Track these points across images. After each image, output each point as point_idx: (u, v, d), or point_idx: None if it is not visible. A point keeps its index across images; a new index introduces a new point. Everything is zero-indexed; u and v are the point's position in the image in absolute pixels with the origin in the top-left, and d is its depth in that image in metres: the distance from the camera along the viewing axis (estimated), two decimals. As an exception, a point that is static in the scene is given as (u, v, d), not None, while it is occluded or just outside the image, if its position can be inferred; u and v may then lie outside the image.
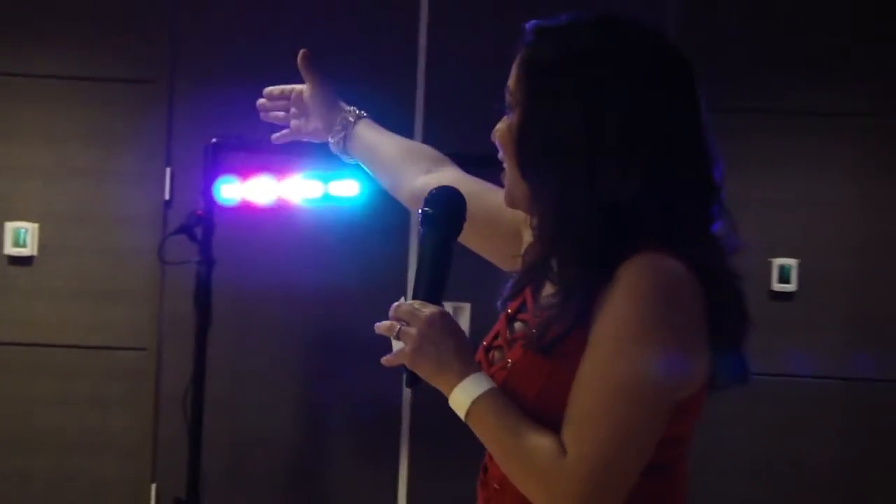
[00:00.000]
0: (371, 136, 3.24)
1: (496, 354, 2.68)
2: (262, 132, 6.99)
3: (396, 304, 2.52)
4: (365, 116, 3.26)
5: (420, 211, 2.61)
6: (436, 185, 2.86)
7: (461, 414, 2.46)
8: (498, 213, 2.90)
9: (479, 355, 2.67)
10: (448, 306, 2.46)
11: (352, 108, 3.24)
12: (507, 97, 2.63)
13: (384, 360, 2.53)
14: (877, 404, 7.94)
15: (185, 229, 7.22)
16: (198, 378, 7.27)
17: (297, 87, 3.32)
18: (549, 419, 2.44)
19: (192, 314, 7.19)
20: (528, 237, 2.81)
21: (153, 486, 7.74)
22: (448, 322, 2.52)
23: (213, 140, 7.36)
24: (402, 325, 2.47)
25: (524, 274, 2.74)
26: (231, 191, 7.42)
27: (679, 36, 7.74)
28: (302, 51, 3.24)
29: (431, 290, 2.55)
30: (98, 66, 7.90)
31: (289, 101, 3.37)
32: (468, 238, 2.85)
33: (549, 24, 2.64)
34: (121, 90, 7.89)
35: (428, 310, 2.48)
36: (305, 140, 3.43)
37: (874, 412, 7.95)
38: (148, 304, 7.81)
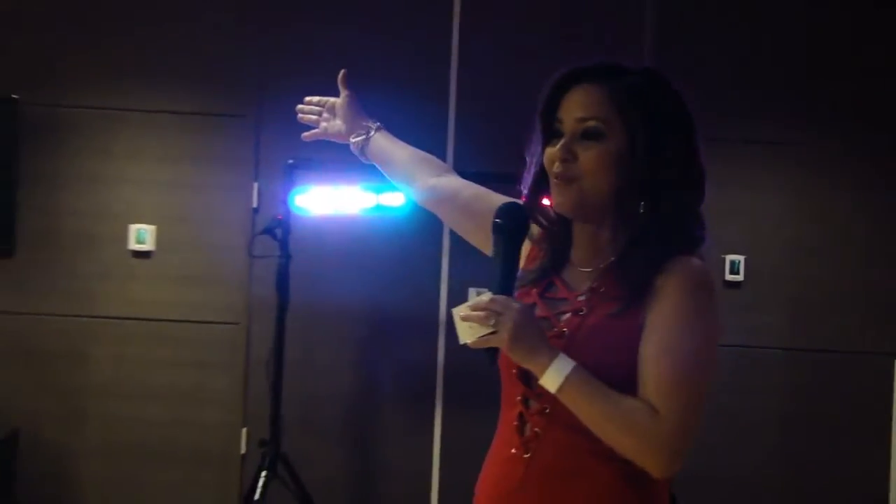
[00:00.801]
0: (386, 143, 3.36)
1: (543, 324, 2.72)
2: (327, 155, 7.42)
3: (485, 297, 2.62)
4: (383, 128, 3.38)
5: (493, 222, 2.69)
6: (450, 198, 3.19)
7: (553, 389, 2.56)
8: None
9: None
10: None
11: (373, 120, 3.40)
12: (597, 125, 2.69)
13: (471, 342, 2.62)
14: (806, 368, 8.24)
15: (269, 231, 7.56)
16: (278, 346, 7.61)
17: (332, 98, 3.47)
18: (608, 380, 2.59)
19: (274, 297, 7.59)
20: (531, 231, 2.91)
21: (244, 430, 8.12)
22: (533, 314, 2.65)
23: (290, 161, 7.64)
24: (495, 315, 2.56)
25: (549, 262, 2.84)
26: (304, 201, 7.71)
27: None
28: (342, 70, 3.42)
29: (507, 286, 2.67)
30: (200, 103, 8.23)
31: (322, 108, 3.51)
32: (471, 233, 3.09)
33: (629, 67, 2.80)
34: (218, 122, 8.25)
35: (517, 304, 2.60)
36: (330, 139, 3.56)
37: (805, 374, 8.24)
38: (240, 289, 8.18)
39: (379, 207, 7.92)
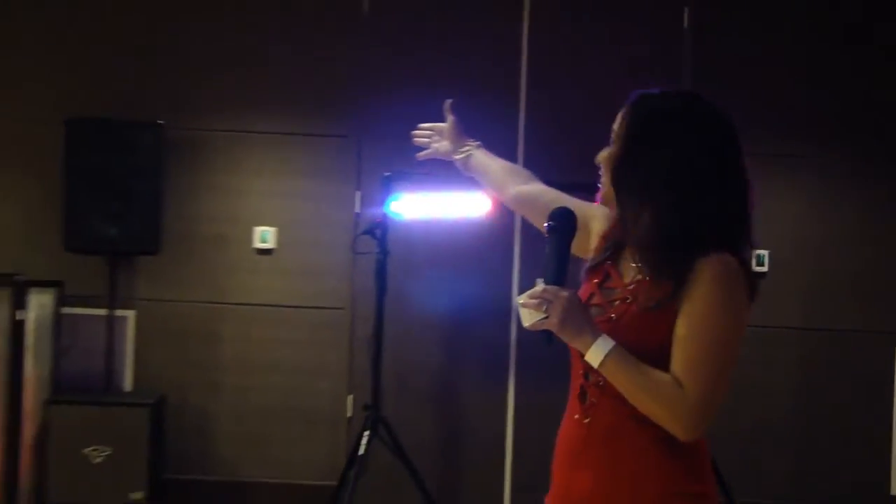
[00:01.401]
0: (484, 158, 3.49)
1: (595, 311, 2.80)
2: (418, 168, 7.70)
3: (539, 287, 2.68)
4: (481, 146, 3.53)
5: (546, 224, 2.75)
6: (533, 202, 3.27)
7: (595, 364, 2.65)
8: (577, 214, 2.89)
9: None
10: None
11: (473, 140, 3.54)
12: (612, 134, 2.87)
13: (530, 325, 2.69)
14: (817, 344, 8.42)
15: (369, 231, 7.74)
16: (377, 326, 7.77)
17: (439, 124, 3.63)
18: (646, 358, 2.66)
19: (374, 286, 7.73)
20: (596, 228, 3.01)
21: (350, 397, 8.41)
22: (579, 300, 2.72)
23: (386, 173, 7.78)
24: (547, 303, 2.64)
25: (607, 252, 2.91)
26: (398, 206, 7.82)
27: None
28: (448, 101, 3.59)
29: (558, 278, 2.72)
30: (311, 126, 8.54)
31: (433, 132, 3.66)
32: None
33: (649, 91, 2.87)
34: (327, 142, 8.54)
35: (566, 292, 2.66)
36: (439, 158, 3.71)
37: (815, 349, 8.42)
38: (345, 280, 8.45)
39: (462, 212, 8.02)
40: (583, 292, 2.88)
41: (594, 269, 2.89)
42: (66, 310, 8.27)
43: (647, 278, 2.73)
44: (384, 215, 7.86)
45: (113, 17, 8.54)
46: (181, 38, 8.60)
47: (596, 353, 2.58)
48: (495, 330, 8.54)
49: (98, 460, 7.65)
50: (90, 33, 8.55)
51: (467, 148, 3.51)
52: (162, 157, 8.18)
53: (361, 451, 7.64)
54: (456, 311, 8.64)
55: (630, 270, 2.80)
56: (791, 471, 8.43)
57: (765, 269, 8.36)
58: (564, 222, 2.75)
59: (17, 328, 7.57)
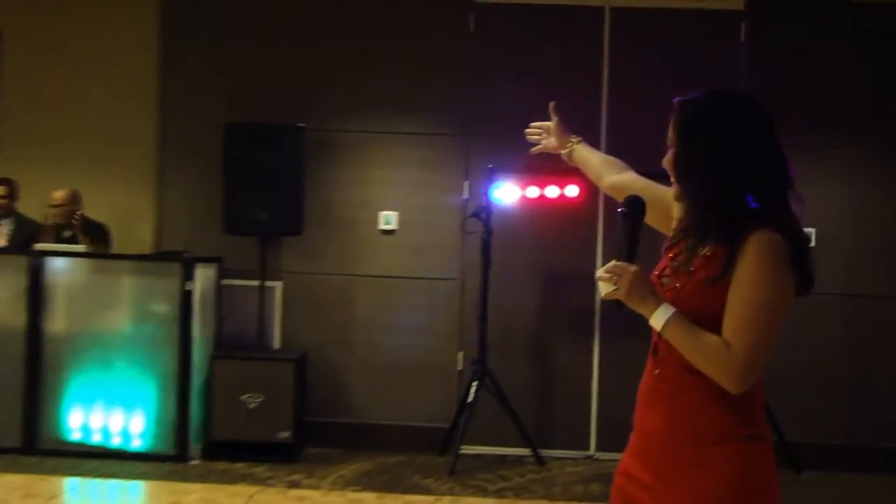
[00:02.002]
0: (585, 152, 3.49)
1: (665, 281, 2.80)
2: (517, 162, 7.85)
3: (612, 264, 2.70)
4: (583, 141, 3.52)
5: (619, 210, 2.75)
6: (625, 189, 3.10)
7: (659, 327, 2.67)
8: (661, 199, 2.99)
9: (654, 279, 2.83)
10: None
11: (576, 136, 3.53)
12: (668, 141, 2.83)
13: (604, 295, 2.73)
14: (856, 308, 8.44)
15: (476, 214, 8.01)
16: (483, 294, 8.00)
17: (546, 123, 3.61)
18: (703, 322, 2.64)
19: (480, 260, 8.01)
20: (676, 213, 2.96)
21: (460, 353, 8.59)
22: (643, 274, 2.71)
23: (490, 166, 8.06)
24: (616, 277, 2.66)
25: (680, 234, 2.86)
26: (500, 193, 8.10)
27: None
28: (552, 102, 3.56)
29: (629, 255, 2.73)
30: (427, 126, 8.67)
31: (542, 130, 3.63)
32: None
33: (688, 97, 2.83)
34: (441, 139, 8.67)
35: (632, 268, 2.67)
36: (548, 152, 3.68)
37: (855, 312, 8.45)
38: (456, 255, 8.59)
39: (553, 197, 8.19)
40: (660, 265, 2.88)
41: (671, 247, 2.88)
42: (226, 281, 8.51)
43: (708, 254, 2.71)
44: (488, 201, 8.08)
45: (263, 41, 8.79)
46: (318, 56, 8.79)
47: (657, 319, 2.63)
48: (582, 296, 8.56)
49: (252, 405, 7.86)
50: (245, 54, 8.80)
51: (570, 143, 3.52)
52: (303, 154, 8.36)
53: (470, 398, 7.91)
54: (549, 280, 8.65)
55: (696, 249, 2.77)
56: (835, 414, 8.38)
57: (813, 243, 8.05)
58: (634, 209, 2.78)
59: (186, 297, 7.85)
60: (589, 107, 8.58)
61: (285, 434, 7.95)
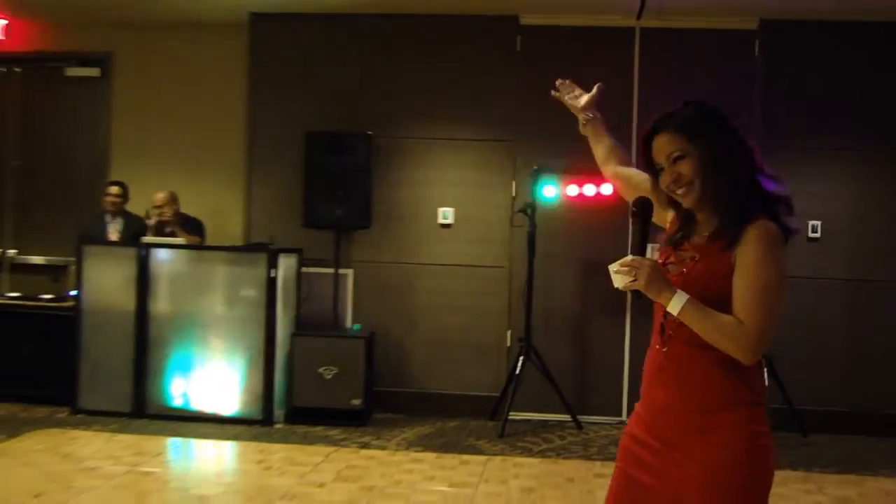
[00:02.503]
0: (600, 129, 3.30)
1: (670, 268, 2.75)
2: (559, 164, 7.80)
3: (629, 258, 2.65)
4: (602, 119, 3.32)
5: (631, 210, 2.69)
6: (627, 180, 3.12)
7: (675, 312, 2.61)
8: (660, 196, 2.82)
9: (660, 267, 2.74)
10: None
11: (599, 112, 3.32)
12: (679, 154, 2.70)
13: (622, 286, 2.68)
14: (856, 292, 8.38)
15: (523, 210, 8.05)
16: (528, 281, 8.02)
17: (585, 92, 3.38)
18: (709, 301, 2.61)
19: (526, 250, 8.04)
20: (664, 210, 2.88)
21: (508, 332, 8.61)
22: (659, 266, 2.67)
23: (535, 167, 8.06)
24: (635, 270, 2.62)
25: (681, 228, 2.82)
26: (544, 191, 8.10)
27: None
28: (600, 83, 3.37)
29: (641, 250, 2.69)
30: (480, 133, 8.66)
31: (576, 89, 3.39)
32: None
33: (666, 115, 2.78)
34: (491, 145, 8.65)
35: (649, 261, 2.63)
36: (567, 106, 3.43)
37: (856, 295, 8.39)
38: (505, 246, 8.58)
39: (590, 195, 8.22)
40: (661, 255, 2.86)
41: (671, 241, 2.85)
42: (305, 269, 8.55)
43: (709, 244, 2.70)
44: (533, 198, 8.09)
45: (337, 61, 8.84)
46: (385, 73, 8.82)
47: (675, 305, 2.60)
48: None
49: (328, 377, 7.98)
50: (322, 72, 8.87)
51: (591, 115, 3.36)
52: (371, 158, 8.42)
53: (517, 371, 7.99)
54: (586, 268, 8.60)
55: (699, 241, 2.77)
56: (838, 384, 8.36)
57: (818, 235, 8.36)
58: (644, 209, 2.75)
59: (271, 283, 7.95)
60: (621, 115, 8.45)
61: (356, 401, 8.04)
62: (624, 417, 8.56)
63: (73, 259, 8.66)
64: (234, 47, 9.14)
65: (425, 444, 7.56)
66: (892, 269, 8.45)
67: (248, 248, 8.45)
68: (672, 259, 2.80)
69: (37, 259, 9.85)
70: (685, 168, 2.70)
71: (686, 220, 2.84)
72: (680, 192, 2.73)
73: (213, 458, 7.16)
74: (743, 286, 2.60)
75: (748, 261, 2.60)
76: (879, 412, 8.34)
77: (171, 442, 7.40)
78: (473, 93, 8.74)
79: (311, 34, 8.93)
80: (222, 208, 9.22)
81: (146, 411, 8.08)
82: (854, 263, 8.48)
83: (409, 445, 7.48)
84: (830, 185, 8.47)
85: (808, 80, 8.48)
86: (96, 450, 6.95)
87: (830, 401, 8.35)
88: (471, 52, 8.68)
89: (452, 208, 8.77)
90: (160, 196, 8.61)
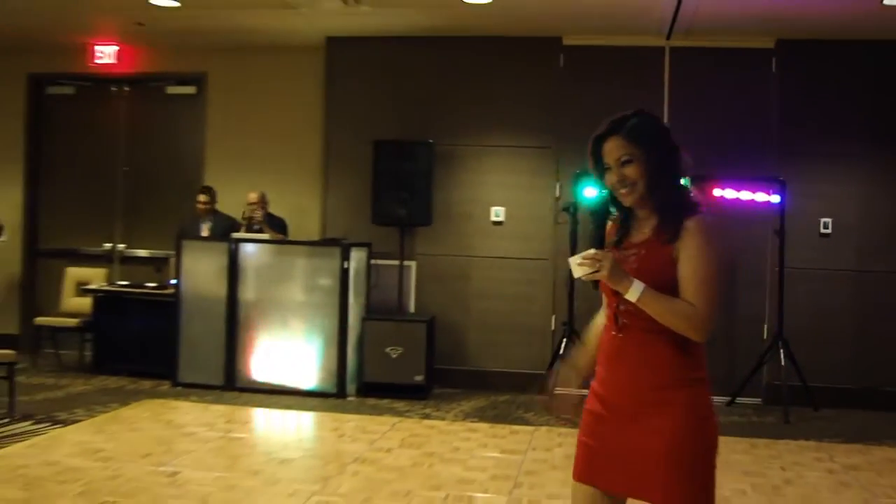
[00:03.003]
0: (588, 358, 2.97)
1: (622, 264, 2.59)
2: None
3: (591, 252, 2.54)
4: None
5: (589, 212, 2.62)
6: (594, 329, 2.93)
7: (634, 299, 2.51)
8: None
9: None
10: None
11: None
12: (627, 157, 2.59)
13: (584, 277, 2.57)
14: (863, 281, 8.34)
15: (565, 209, 7.99)
16: (571, 272, 8.31)
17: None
18: (657, 288, 2.53)
19: (568, 244, 7.92)
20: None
21: (553, 317, 8.63)
22: (616, 260, 2.56)
23: (576, 171, 7.98)
24: (598, 262, 2.50)
25: (621, 229, 2.72)
26: (584, 192, 7.89)
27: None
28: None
29: (600, 245, 2.60)
30: (526, 141, 8.64)
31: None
32: None
33: (613, 121, 2.65)
34: (536, 151, 8.64)
35: (610, 254, 2.54)
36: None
37: (863, 284, 8.36)
38: (550, 241, 8.56)
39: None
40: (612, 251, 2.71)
41: (614, 243, 2.73)
42: (373, 261, 8.63)
43: (651, 238, 2.64)
44: (575, 199, 8.01)
45: (402, 77, 8.91)
46: (443, 88, 8.88)
47: (634, 292, 2.51)
48: (723, 285, 8.35)
49: (394, 356, 8.06)
50: (388, 87, 8.94)
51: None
52: (432, 163, 8.48)
53: (561, 351, 7.92)
54: None
55: (639, 237, 2.68)
56: (846, 364, 8.34)
57: (829, 231, 8.38)
58: (602, 210, 2.71)
59: (344, 273, 8.04)
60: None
61: (419, 377, 8.11)
62: (656, 392, 8.55)
63: (173, 252, 8.80)
64: (311, 67, 9.26)
65: (479, 415, 7.57)
66: (894, 262, 8.41)
67: (325, 242, 8.50)
68: (619, 256, 2.68)
69: (142, 252, 10.06)
70: (631, 171, 2.62)
71: (624, 223, 2.76)
72: (623, 191, 2.65)
73: (294, 426, 7.21)
74: (689, 274, 2.56)
75: (691, 252, 2.56)
76: (883, 389, 8.31)
77: (258, 412, 7.48)
78: (521, 105, 8.75)
79: (379, 55, 8.99)
80: (302, 208, 9.31)
81: (236, 384, 8.21)
82: (861, 256, 8.45)
83: (465, 416, 7.50)
84: (840, 187, 8.46)
85: (819, 93, 8.47)
86: (193, 418, 7.08)
87: (839, 379, 8.33)
88: (519, 69, 8.71)
89: (503, 207, 8.78)
90: (253, 195, 8.73)
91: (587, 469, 2.74)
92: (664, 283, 2.56)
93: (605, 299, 2.78)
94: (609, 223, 2.76)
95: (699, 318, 2.52)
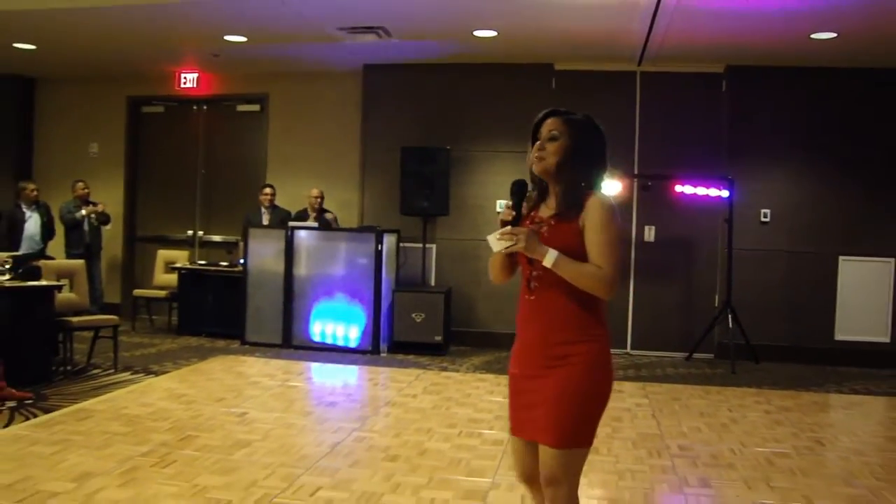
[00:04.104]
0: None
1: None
2: None
3: (507, 228, 2.42)
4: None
5: (511, 190, 2.44)
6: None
7: (550, 265, 2.38)
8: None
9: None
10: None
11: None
12: (556, 133, 2.49)
13: (505, 250, 2.45)
14: (793, 260, 8.22)
15: None
16: None
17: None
18: (567, 254, 2.40)
19: None
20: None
21: None
22: (534, 233, 2.45)
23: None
24: (516, 236, 2.39)
25: (534, 207, 2.58)
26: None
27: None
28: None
29: (517, 221, 2.45)
30: (519, 146, 8.20)
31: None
32: None
33: (573, 117, 2.54)
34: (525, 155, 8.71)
35: (525, 228, 2.42)
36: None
37: (793, 262, 8.24)
38: None
39: (611, 189, 8.32)
40: (525, 224, 2.57)
41: (529, 214, 2.57)
42: (402, 244, 8.58)
43: (559, 212, 2.50)
44: None
45: (425, 94, 8.83)
46: (459, 103, 8.77)
47: (549, 259, 2.39)
48: (623, 252, 8.43)
49: (419, 320, 8.03)
50: (413, 104, 8.87)
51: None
52: (449, 165, 8.41)
53: None
54: None
55: (547, 212, 2.54)
56: (782, 325, 8.29)
57: (768, 220, 8.34)
58: (521, 189, 2.51)
59: (378, 254, 7.99)
60: (626, 138, 8.49)
61: (438, 338, 8.05)
62: (629, 349, 8.55)
63: (241, 238, 8.83)
64: (352, 88, 9.22)
65: (487, 368, 7.53)
66: (819, 244, 8.37)
67: (362, 229, 8.43)
68: (530, 225, 2.55)
69: (216, 237, 10.06)
70: (552, 146, 2.50)
71: (537, 202, 2.60)
72: (536, 156, 2.52)
73: (338, 376, 7.16)
74: (595, 241, 2.42)
75: (595, 224, 2.42)
76: (810, 346, 8.29)
77: (310, 365, 7.46)
78: (521, 118, 7.63)
79: (405, 79, 8.94)
80: (345, 202, 9.27)
81: (292, 343, 8.21)
82: (792, 240, 8.41)
83: (476, 369, 7.45)
84: (777, 184, 8.42)
85: (760, 108, 8.41)
86: (258, 370, 7.07)
87: (776, 337, 8.33)
88: (519, 89, 8.60)
89: (507, 201, 8.52)
90: (315, 191, 8.78)
91: (513, 423, 2.62)
92: (572, 252, 2.44)
93: (522, 268, 2.62)
94: (525, 205, 2.59)
95: (606, 278, 2.41)
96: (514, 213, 2.47)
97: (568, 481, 2.46)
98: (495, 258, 2.64)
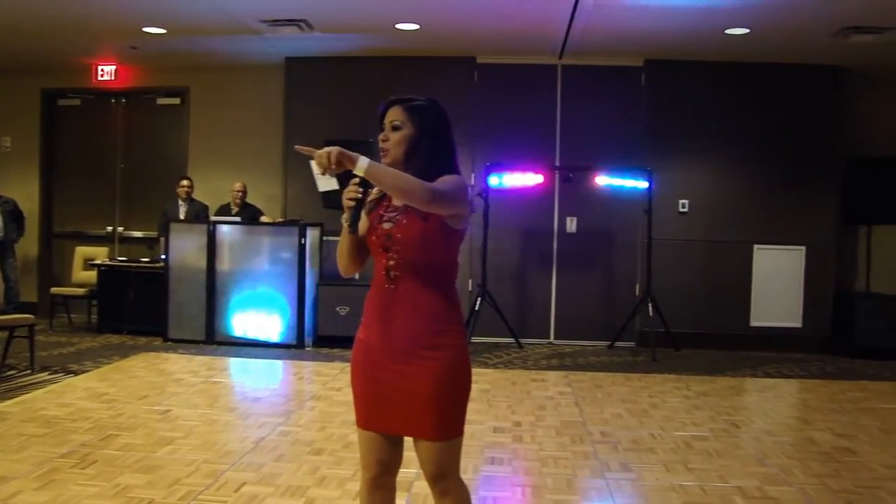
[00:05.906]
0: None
1: (390, 215, 2.43)
2: (506, 160, 7.72)
3: (315, 160, 2.27)
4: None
5: (336, 175, 2.33)
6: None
7: (363, 172, 2.24)
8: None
9: (377, 215, 2.47)
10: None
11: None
12: (398, 123, 2.42)
13: (328, 174, 2.28)
14: (711, 249, 8.41)
15: (480, 194, 7.84)
16: (484, 244, 7.78)
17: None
18: (429, 236, 2.36)
19: (482, 222, 7.86)
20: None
21: (470, 280, 8.38)
22: (385, 219, 2.42)
23: (487, 164, 8.03)
24: (325, 158, 2.21)
25: (379, 197, 2.50)
26: (494, 180, 7.99)
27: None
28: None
29: (363, 202, 2.37)
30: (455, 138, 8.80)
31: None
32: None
33: (418, 101, 2.48)
34: (460, 148, 8.73)
35: (330, 147, 2.25)
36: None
37: (710, 252, 8.41)
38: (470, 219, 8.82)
39: (527, 182, 8.08)
40: (373, 216, 2.49)
41: (380, 200, 2.51)
42: (325, 238, 8.42)
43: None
44: (486, 185, 8.04)
45: (347, 87, 8.68)
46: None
47: (363, 166, 2.23)
48: (545, 243, 8.59)
49: (343, 313, 7.96)
50: (335, 95, 8.69)
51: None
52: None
53: (476, 307, 7.98)
54: (525, 234, 8.61)
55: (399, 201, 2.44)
56: (700, 313, 8.47)
57: (686, 210, 8.51)
58: (345, 177, 2.32)
59: (301, 247, 7.94)
60: (547, 130, 8.57)
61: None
62: (552, 339, 8.64)
63: (159, 231, 8.77)
64: (274, 81, 9.15)
65: None
66: (734, 234, 8.56)
67: (286, 223, 8.40)
68: (384, 213, 2.47)
69: (137, 233, 9.90)
70: (395, 136, 2.42)
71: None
72: (381, 148, 2.45)
73: (262, 371, 7.12)
74: (443, 182, 2.31)
75: (446, 185, 2.32)
76: (727, 332, 8.51)
77: (233, 361, 7.41)
78: (448, 109, 8.53)
79: (328, 71, 8.88)
80: (269, 196, 9.19)
81: (214, 339, 8.13)
82: (709, 230, 8.59)
83: None
84: (694, 175, 8.58)
85: (678, 101, 8.55)
86: (181, 367, 6.99)
87: (694, 325, 8.49)
88: (442, 82, 8.52)
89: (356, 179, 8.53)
90: (237, 185, 8.73)
91: (367, 416, 2.52)
92: (428, 240, 2.38)
93: (375, 257, 2.51)
94: (377, 192, 2.51)
95: (428, 188, 2.26)
96: (361, 189, 2.32)
97: (454, 471, 2.46)
98: (342, 246, 2.53)
